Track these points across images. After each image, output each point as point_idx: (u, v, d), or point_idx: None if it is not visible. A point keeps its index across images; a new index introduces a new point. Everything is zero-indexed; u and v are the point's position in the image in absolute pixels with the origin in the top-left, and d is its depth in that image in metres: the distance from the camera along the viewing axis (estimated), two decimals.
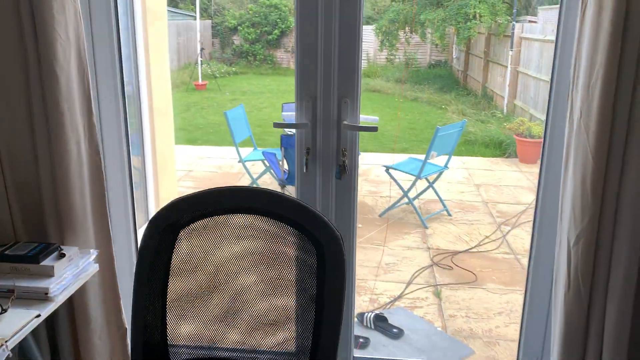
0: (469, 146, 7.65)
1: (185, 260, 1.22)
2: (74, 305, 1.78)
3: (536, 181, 2.00)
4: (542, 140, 1.95)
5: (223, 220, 1.21)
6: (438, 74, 16.57)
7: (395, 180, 4.76)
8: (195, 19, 18.89)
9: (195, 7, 19.31)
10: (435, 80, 15.37)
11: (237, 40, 19.21)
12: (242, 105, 5.40)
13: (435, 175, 4.84)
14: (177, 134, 8.79)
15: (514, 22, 10.02)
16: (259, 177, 5.05)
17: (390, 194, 5.42)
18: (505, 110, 9.92)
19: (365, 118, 2.06)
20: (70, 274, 1.58)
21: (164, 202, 3.76)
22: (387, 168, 4.78)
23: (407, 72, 15.81)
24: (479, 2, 11.30)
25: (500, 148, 7.37)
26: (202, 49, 14.44)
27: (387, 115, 10.66)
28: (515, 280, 3.73)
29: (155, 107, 3.83)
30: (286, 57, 19.06)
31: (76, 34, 1.64)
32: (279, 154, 4.53)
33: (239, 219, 1.21)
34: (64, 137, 1.63)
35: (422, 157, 4.73)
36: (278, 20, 18.51)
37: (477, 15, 11.13)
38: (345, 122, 1.93)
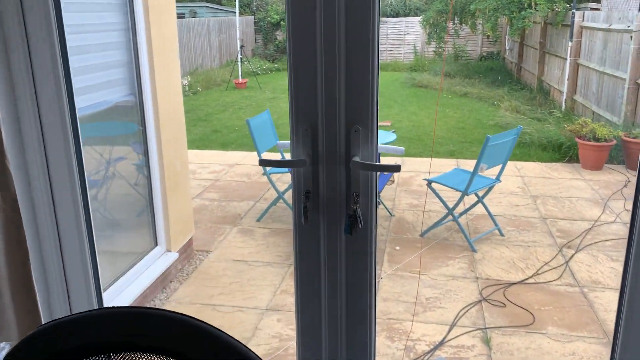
0: (523, 149, 6.94)
1: None
2: None
3: (602, 191, 1.47)
4: None
5: None
6: (490, 66, 15.66)
7: (438, 196, 4.18)
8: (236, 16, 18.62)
9: (235, 2, 19.08)
10: (487, 73, 14.49)
11: (280, 35, 18.86)
12: (267, 111, 4.93)
13: (485, 190, 4.23)
14: (211, 137, 8.45)
15: (574, 10, 9.13)
16: (286, 191, 4.57)
17: (434, 208, 4.84)
18: (563, 107, 9.08)
19: (387, 149, 1.55)
20: None
21: (175, 223, 3.32)
22: (429, 182, 4.20)
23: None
24: None
25: (559, 151, 6.62)
26: (242, 46, 14.10)
27: (433, 113, 10.02)
28: (581, 323, 3.11)
29: (163, 115, 3.40)
30: None
31: None
32: None
33: None
34: None
35: (471, 164, 4.13)
36: None
37: (533, 4, 10.26)
38: (355, 159, 1.41)
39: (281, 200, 4.57)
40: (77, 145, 1.63)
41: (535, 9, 10.35)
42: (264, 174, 4.46)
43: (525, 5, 10.39)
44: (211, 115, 10.25)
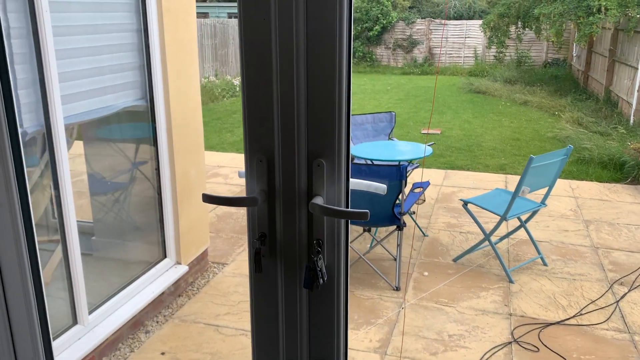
0: (581, 166, 6.40)
1: None
2: None
3: None
4: None
5: None
6: (554, 74, 14.87)
7: (474, 219, 3.82)
8: None
9: None
10: (550, 81, 13.74)
11: None
12: None
13: (529, 214, 3.83)
14: None
15: None
16: None
17: (474, 229, 4.46)
18: (632, 120, 8.38)
19: (365, 185, 1.26)
20: None
21: (187, 235, 3.14)
22: (465, 202, 3.84)
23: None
24: None
25: (621, 171, 6.05)
26: None
27: (489, 122, 9.50)
28: None
29: (176, 121, 3.23)
30: (387, 54, 18.23)
31: None
32: None
33: None
34: None
35: (515, 182, 3.75)
36: (380, 15, 17.70)
37: (602, 9, 9.56)
38: (316, 201, 1.14)
39: None
40: (18, 171, 1.44)
41: (605, 14, 9.63)
42: None
43: (594, 10, 9.69)
44: None
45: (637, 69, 8.69)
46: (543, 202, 3.81)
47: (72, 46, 2.57)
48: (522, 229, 3.97)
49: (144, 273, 3.26)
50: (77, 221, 2.70)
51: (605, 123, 8.52)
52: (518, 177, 6.10)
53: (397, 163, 3.41)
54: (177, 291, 3.42)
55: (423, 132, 8.72)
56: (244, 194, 1.23)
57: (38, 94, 2.33)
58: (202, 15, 18.15)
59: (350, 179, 1.23)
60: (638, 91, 8.52)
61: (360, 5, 18.17)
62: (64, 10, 2.50)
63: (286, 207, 1.19)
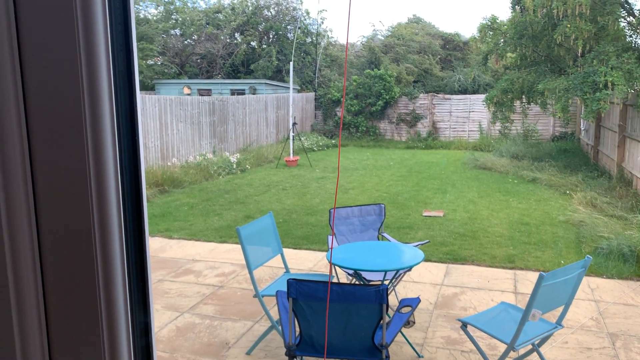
0: (599, 259, 5.71)
1: None
2: None
3: None
4: None
5: None
6: (562, 148, 14.39)
7: (476, 345, 3.13)
8: (298, 92, 18.54)
9: (293, 79, 19.08)
10: (559, 155, 13.23)
11: (339, 112, 18.53)
12: (270, 214, 4.13)
13: (540, 339, 3.14)
14: (240, 224, 7.75)
15: None
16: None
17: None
18: None
19: None
20: None
21: None
22: (464, 323, 3.17)
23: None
24: (611, 69, 9.31)
25: None
26: (294, 124, 13.68)
27: (495, 202, 8.89)
28: None
29: None
30: (390, 128, 17.96)
31: None
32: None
33: None
34: None
35: (533, 278, 3.08)
36: (382, 91, 17.56)
37: (609, 84, 9.15)
38: None
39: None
40: None
41: (612, 89, 9.21)
42: (254, 296, 3.59)
43: (601, 86, 9.28)
44: (250, 197, 9.63)
45: None
46: (559, 323, 3.13)
47: None
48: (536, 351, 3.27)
49: None
50: None
51: (622, 204, 7.88)
52: (527, 273, 5.42)
53: (378, 281, 2.79)
54: None
55: (425, 214, 8.11)
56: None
57: None
58: (205, 91, 18.15)
59: None
60: None
61: (364, 82, 18.13)
62: None
63: None
